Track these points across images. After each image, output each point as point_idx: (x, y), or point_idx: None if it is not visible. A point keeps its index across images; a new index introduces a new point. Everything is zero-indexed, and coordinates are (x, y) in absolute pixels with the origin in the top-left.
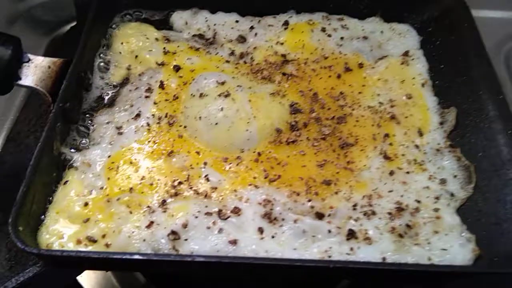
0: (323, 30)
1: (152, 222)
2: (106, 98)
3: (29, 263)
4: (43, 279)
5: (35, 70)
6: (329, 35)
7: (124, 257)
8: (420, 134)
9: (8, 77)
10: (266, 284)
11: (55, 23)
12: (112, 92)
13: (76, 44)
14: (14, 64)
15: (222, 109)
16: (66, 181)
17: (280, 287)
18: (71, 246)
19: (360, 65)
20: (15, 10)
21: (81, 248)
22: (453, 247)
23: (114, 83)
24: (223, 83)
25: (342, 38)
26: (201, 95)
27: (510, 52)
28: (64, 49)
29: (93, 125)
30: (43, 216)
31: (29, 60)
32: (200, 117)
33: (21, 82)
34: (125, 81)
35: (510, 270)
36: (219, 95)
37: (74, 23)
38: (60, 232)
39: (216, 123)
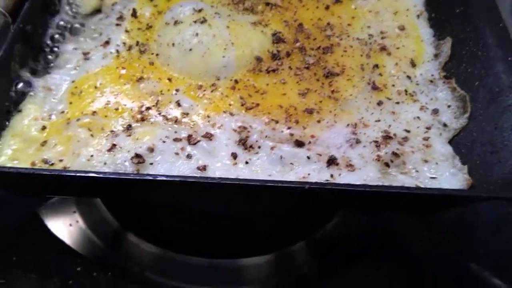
0: None
1: (114, 145)
2: (74, 26)
3: None
4: None
5: None
6: None
7: (77, 175)
8: (413, 65)
9: None
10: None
11: None
12: (82, 21)
13: None
14: None
15: (197, 34)
16: (24, 106)
17: (261, 227)
18: None
19: None
20: None
21: None
22: (443, 176)
23: (85, 13)
24: (200, 11)
25: None
26: (175, 23)
27: None
28: None
29: (58, 52)
30: None
31: None
32: (173, 44)
33: None
34: (96, 12)
35: (507, 195)
36: (195, 22)
37: None
38: (13, 154)
39: (190, 49)
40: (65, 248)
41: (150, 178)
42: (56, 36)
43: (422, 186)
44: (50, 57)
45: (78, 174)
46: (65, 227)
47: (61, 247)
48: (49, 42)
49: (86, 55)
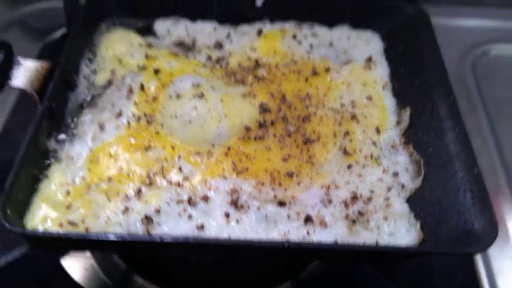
0: (294, 37)
1: (127, 208)
2: (91, 99)
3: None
4: (28, 260)
5: (24, 73)
6: (300, 42)
7: (99, 237)
8: (378, 132)
9: (0, 78)
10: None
11: (47, 30)
12: (97, 94)
13: None
14: (6, 67)
15: (195, 108)
16: (51, 173)
17: (252, 272)
18: (54, 230)
19: (327, 70)
20: (9, 17)
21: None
22: (400, 232)
23: (99, 85)
24: (198, 85)
25: (311, 45)
26: (177, 96)
27: (476, 60)
28: (56, 55)
29: (77, 123)
30: (29, 204)
31: (20, 63)
32: (175, 116)
33: (11, 82)
34: (108, 84)
35: (450, 250)
36: (194, 96)
37: (65, 30)
38: (44, 217)
39: (190, 121)
40: None
41: (158, 239)
42: (76, 109)
43: (381, 241)
44: (71, 128)
45: (100, 238)
46: (81, 271)
47: None
48: (70, 115)
49: (101, 126)
